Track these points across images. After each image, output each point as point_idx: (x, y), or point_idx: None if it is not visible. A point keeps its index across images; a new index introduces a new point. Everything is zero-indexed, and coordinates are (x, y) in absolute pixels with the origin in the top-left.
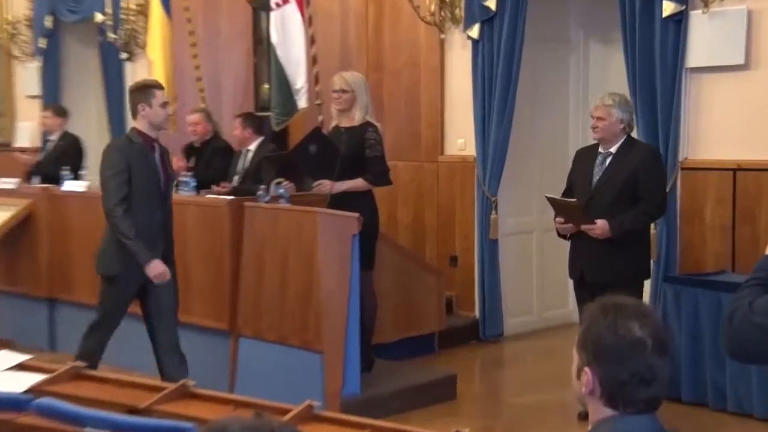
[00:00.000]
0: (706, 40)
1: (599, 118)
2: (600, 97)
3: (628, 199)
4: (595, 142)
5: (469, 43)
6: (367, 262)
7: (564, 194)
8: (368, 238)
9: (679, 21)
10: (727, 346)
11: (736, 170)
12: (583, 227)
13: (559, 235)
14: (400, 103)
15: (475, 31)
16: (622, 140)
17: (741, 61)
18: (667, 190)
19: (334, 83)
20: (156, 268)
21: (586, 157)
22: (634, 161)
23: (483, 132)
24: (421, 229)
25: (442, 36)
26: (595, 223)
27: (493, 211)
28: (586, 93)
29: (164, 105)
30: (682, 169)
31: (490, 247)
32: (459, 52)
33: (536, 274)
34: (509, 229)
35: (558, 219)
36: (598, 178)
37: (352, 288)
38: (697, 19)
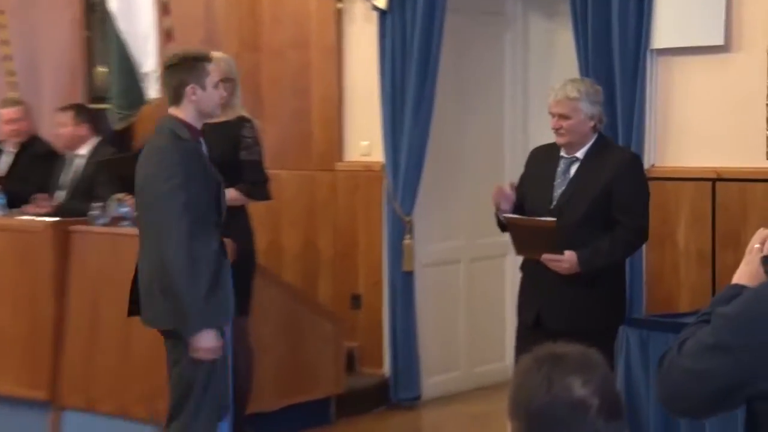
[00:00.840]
0: (677, 15)
1: (562, 116)
2: (560, 86)
3: (599, 221)
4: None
5: (375, 14)
6: (241, 305)
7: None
8: (241, 273)
9: None
10: (658, 392)
11: (715, 180)
12: (545, 258)
13: (522, 253)
14: (284, 93)
15: None
16: (592, 141)
17: (720, 41)
18: None
19: None
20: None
21: (543, 160)
22: (608, 170)
23: (393, 131)
24: (312, 260)
25: (340, 5)
26: (563, 255)
27: (408, 236)
28: (525, 80)
29: (218, 84)
30: (649, 179)
31: (404, 283)
32: (361, 26)
33: (464, 318)
34: (429, 259)
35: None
36: (561, 191)
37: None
38: None
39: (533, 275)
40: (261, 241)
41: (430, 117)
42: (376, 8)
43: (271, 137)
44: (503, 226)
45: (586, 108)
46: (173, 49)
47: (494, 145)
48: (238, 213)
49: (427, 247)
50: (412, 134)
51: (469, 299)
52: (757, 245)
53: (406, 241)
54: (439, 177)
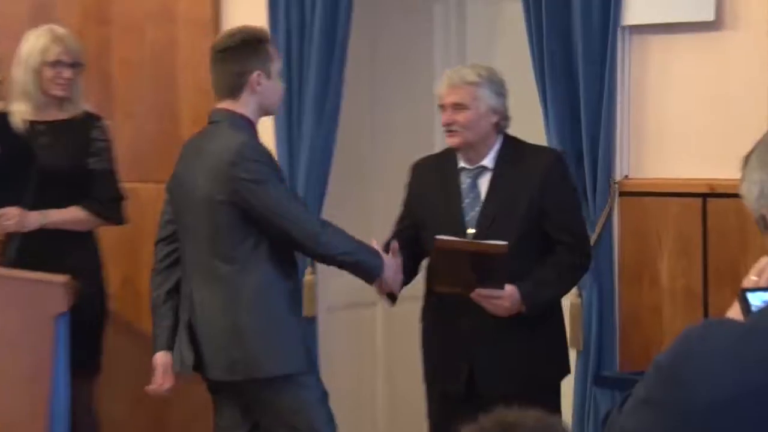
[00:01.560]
0: None
1: (457, 107)
2: (452, 70)
3: (535, 245)
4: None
5: None
6: (87, 362)
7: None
8: (86, 321)
9: None
10: None
11: (707, 196)
12: (480, 295)
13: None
14: (143, 82)
15: None
16: (500, 144)
17: (710, 15)
18: (598, 229)
19: (48, 51)
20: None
21: (435, 176)
22: (533, 179)
23: (289, 132)
24: None
25: None
26: (503, 290)
27: (309, 269)
28: (462, 63)
29: (280, 74)
30: (621, 194)
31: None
32: None
33: (383, 379)
34: (336, 300)
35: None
36: (476, 212)
37: (56, 408)
38: None
39: (450, 323)
40: (113, 278)
41: (338, 112)
42: None
43: (124, 140)
44: (394, 297)
45: (489, 98)
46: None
47: (422, 145)
48: (83, 240)
49: (333, 284)
50: (313, 135)
51: (389, 353)
52: (753, 277)
53: (307, 277)
54: (350, 190)
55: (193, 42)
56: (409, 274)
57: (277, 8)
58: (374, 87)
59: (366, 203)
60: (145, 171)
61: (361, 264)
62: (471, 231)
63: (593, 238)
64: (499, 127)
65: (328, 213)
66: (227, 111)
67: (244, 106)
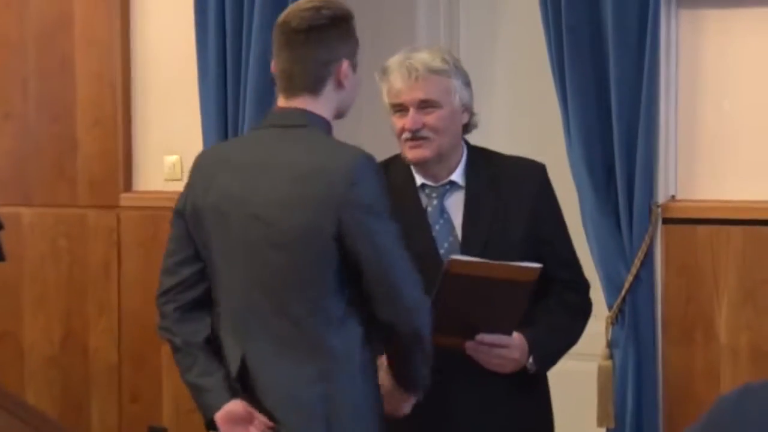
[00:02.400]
0: None
1: (424, 104)
2: (404, 54)
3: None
4: (393, 156)
5: None
6: None
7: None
8: None
9: None
10: None
11: None
12: (482, 343)
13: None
14: (26, 70)
15: None
16: (465, 155)
17: None
18: (635, 267)
19: None
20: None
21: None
22: (520, 199)
23: (224, 137)
24: (79, 366)
25: None
26: (510, 339)
27: None
28: (454, 48)
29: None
30: (666, 221)
31: None
32: None
33: None
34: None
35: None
36: (450, 244)
37: None
38: None
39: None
40: None
41: None
42: None
43: (1, 149)
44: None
45: (461, 90)
46: None
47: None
48: None
49: None
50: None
51: None
52: None
53: None
54: None
55: (93, 16)
56: None
57: None
58: None
59: None
60: (30, 191)
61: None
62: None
63: (629, 279)
64: (465, 130)
65: None
66: (306, 112)
67: (324, 105)
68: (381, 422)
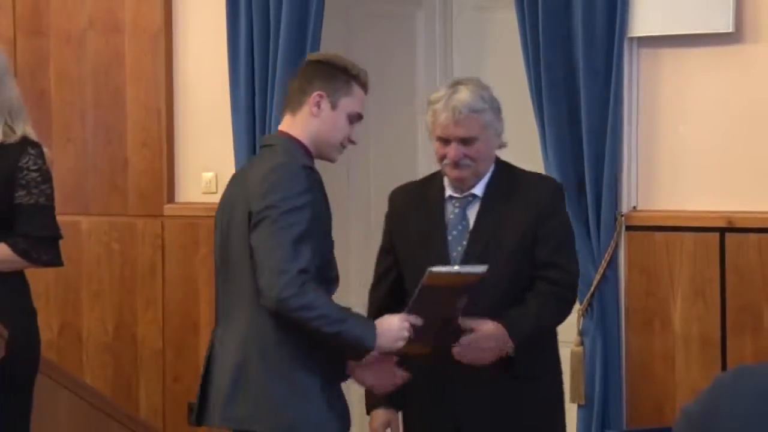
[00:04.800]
0: None
1: (467, 141)
2: (448, 93)
3: (522, 286)
4: (434, 172)
5: None
6: (14, 420)
7: (377, 288)
8: (17, 373)
9: None
10: None
11: (725, 231)
12: (463, 345)
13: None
14: (84, 100)
15: None
16: (491, 170)
17: (728, 26)
18: (602, 268)
19: None
20: (390, 328)
21: (417, 206)
22: (528, 208)
23: (252, 156)
24: (129, 352)
25: None
26: (478, 326)
27: None
28: (447, 77)
29: (355, 119)
30: (628, 228)
31: None
32: (202, 3)
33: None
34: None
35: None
36: (462, 247)
37: None
38: None
39: (437, 383)
40: (49, 323)
41: None
42: None
43: (64, 167)
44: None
45: (494, 122)
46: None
47: (402, 169)
48: (12, 284)
49: None
50: None
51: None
52: None
53: None
54: None
55: (142, 54)
56: None
57: (238, 14)
58: None
59: (341, 234)
60: (86, 202)
61: (346, 334)
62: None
63: (596, 277)
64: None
65: None
66: (281, 134)
67: (300, 127)
68: None
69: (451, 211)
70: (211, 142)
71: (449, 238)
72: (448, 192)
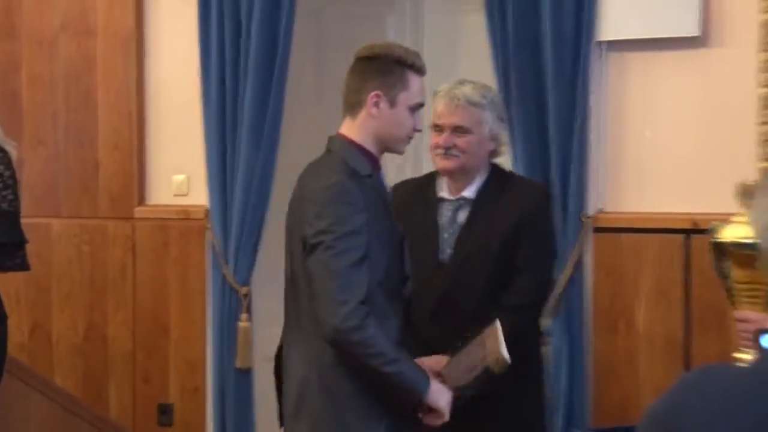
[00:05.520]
0: None
1: (458, 129)
2: (451, 86)
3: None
4: (431, 172)
5: None
6: None
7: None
8: None
9: None
10: None
11: (689, 232)
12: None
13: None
14: (56, 104)
15: None
16: (486, 176)
17: (695, 30)
18: (569, 269)
19: None
20: (440, 395)
21: (414, 202)
22: (512, 213)
23: (223, 159)
24: (99, 354)
25: None
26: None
27: (244, 315)
28: None
29: (417, 108)
30: (595, 230)
31: (239, 386)
32: (174, 7)
33: None
34: (274, 349)
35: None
36: (452, 249)
37: None
38: None
39: None
40: (20, 325)
41: (278, 136)
42: None
43: (35, 169)
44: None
45: (492, 122)
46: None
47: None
48: None
49: (272, 331)
50: (250, 162)
51: None
52: None
53: (242, 324)
54: None
55: (114, 57)
56: None
57: (209, 19)
58: (320, 106)
59: None
60: (57, 205)
61: (396, 380)
62: None
63: (563, 279)
64: (492, 156)
65: (266, 251)
66: (339, 137)
67: (360, 130)
68: None
69: (444, 213)
70: (183, 144)
71: (440, 239)
72: (441, 194)
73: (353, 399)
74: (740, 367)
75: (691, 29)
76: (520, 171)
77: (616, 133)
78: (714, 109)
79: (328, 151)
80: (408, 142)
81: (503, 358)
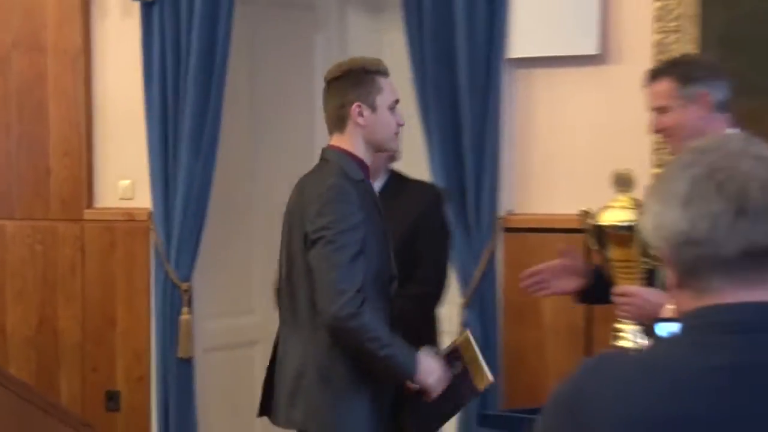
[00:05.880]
0: (540, 16)
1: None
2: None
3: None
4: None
5: (137, 5)
6: None
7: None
8: None
9: None
10: None
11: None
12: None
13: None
14: (9, 113)
15: None
16: (386, 179)
17: (594, 49)
18: (482, 265)
19: None
20: (430, 367)
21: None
22: (405, 218)
23: (165, 165)
24: (50, 346)
25: None
26: None
27: (185, 309)
28: None
29: (394, 106)
30: (505, 230)
31: (181, 375)
32: (118, 21)
33: (263, 422)
34: (214, 341)
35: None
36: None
37: None
38: None
39: None
40: None
41: (216, 144)
42: None
43: None
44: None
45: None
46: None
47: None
48: None
49: (211, 324)
50: (190, 168)
51: None
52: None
53: (183, 317)
54: (230, 227)
55: (63, 72)
56: None
57: (151, 37)
58: (255, 116)
59: (245, 239)
60: (10, 207)
61: (391, 362)
62: None
63: (477, 274)
64: (390, 160)
65: (206, 249)
66: (333, 148)
67: (350, 141)
68: None
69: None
70: (128, 152)
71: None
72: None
73: (347, 386)
74: (634, 355)
75: (590, 48)
76: (437, 175)
77: (525, 142)
78: (612, 121)
79: (324, 160)
80: (396, 138)
81: (488, 380)
